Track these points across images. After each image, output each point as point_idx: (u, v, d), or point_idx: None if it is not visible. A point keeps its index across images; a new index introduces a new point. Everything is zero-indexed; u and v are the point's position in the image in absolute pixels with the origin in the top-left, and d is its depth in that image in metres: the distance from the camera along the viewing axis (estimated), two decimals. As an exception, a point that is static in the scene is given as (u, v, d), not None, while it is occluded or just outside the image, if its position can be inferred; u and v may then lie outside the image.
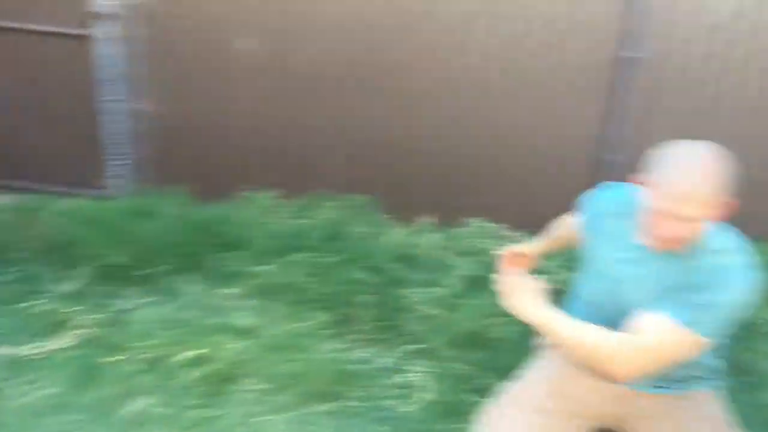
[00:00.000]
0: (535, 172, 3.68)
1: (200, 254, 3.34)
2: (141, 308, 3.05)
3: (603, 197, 1.89)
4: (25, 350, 2.80)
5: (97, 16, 3.65)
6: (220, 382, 2.60)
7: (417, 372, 2.71)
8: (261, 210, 3.64)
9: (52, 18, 3.70)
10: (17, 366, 2.69)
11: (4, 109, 3.91)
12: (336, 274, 3.13)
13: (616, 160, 3.55)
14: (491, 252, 2.97)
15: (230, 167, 3.86)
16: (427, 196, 3.76)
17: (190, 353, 2.69)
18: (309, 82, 3.69)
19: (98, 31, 3.68)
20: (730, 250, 1.66)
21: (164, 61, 3.73)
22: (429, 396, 2.60)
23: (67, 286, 3.21)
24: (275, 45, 3.65)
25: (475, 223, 3.67)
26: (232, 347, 2.72)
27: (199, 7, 3.63)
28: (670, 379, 1.82)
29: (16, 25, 3.75)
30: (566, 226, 2.08)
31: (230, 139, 3.84)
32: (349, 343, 2.88)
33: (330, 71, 3.66)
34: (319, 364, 2.67)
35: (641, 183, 1.66)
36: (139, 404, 2.50)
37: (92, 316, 2.97)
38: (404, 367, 2.75)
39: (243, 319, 2.90)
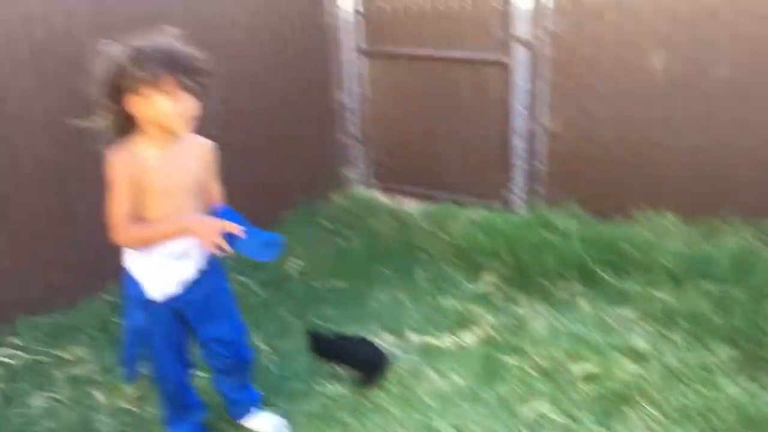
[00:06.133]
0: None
1: (596, 270, 3.43)
2: (538, 316, 3.23)
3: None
4: (434, 340, 3.10)
5: (515, 43, 3.92)
6: (616, 402, 2.62)
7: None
8: (660, 231, 3.55)
9: (474, 46, 4.06)
10: (427, 353, 3.02)
11: (425, 128, 4.41)
12: (744, 307, 3.02)
13: None
14: None
15: (628, 185, 3.87)
16: None
17: (585, 367, 2.78)
18: (723, 102, 3.53)
19: (513, 57, 3.96)
20: None
21: (568, 82, 3.88)
22: None
23: (471, 288, 3.54)
24: (686, 64, 3.59)
25: None
26: (628, 369, 2.75)
27: (611, 30, 3.68)
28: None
29: (442, 53, 4.18)
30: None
31: (629, 157, 3.84)
32: (758, 385, 2.66)
33: (754, 89, 3.46)
34: (723, 402, 2.54)
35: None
36: (535, 408, 2.63)
37: (493, 318, 3.23)
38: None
39: (639, 342, 2.92)
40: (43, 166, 3.05)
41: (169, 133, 2.08)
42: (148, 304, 2.22)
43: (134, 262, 2.19)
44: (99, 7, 3.13)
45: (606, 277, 3.40)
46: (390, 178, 4.71)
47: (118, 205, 2.05)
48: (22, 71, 2.92)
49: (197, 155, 2.21)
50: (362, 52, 4.51)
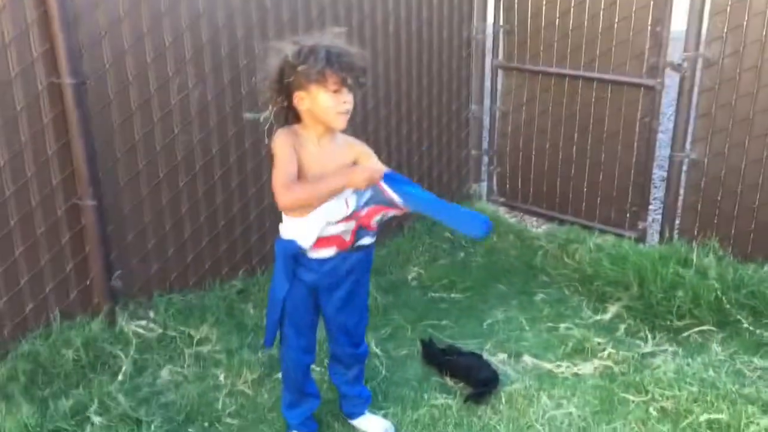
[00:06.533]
0: None
1: (733, 314, 3.23)
2: (664, 355, 3.08)
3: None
4: (550, 366, 3.01)
5: (664, 67, 3.81)
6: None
7: None
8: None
9: (619, 67, 3.97)
10: (542, 378, 2.94)
11: (559, 147, 4.33)
12: None
13: None
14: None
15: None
16: None
17: (713, 416, 2.60)
18: None
19: (661, 81, 3.84)
20: None
21: (720, 113, 3.68)
22: None
23: (594, 317, 3.41)
24: None
25: None
26: (762, 423, 2.56)
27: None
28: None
29: (584, 73, 4.12)
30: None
31: None
32: None
33: None
34: None
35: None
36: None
37: (615, 351, 3.07)
38: None
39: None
40: (193, 153, 3.26)
41: (327, 128, 2.19)
42: (294, 278, 2.30)
43: (290, 225, 2.28)
44: (260, 7, 3.31)
45: (744, 322, 3.17)
46: (517, 195, 4.64)
47: (284, 168, 2.13)
48: (184, 66, 3.14)
49: (347, 154, 2.29)
50: (501, 67, 4.49)
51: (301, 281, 2.32)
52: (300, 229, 2.25)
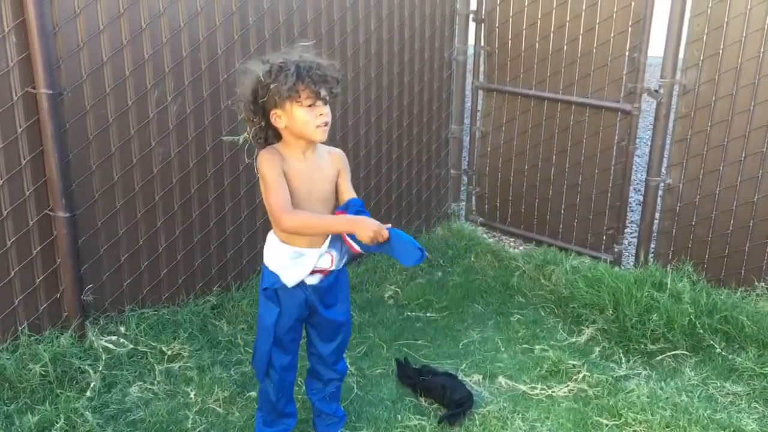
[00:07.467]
0: None
1: (706, 339, 3.24)
2: (638, 379, 3.08)
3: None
4: (525, 388, 3.01)
5: (641, 92, 3.84)
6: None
7: None
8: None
9: (598, 91, 4.01)
10: (516, 400, 2.94)
11: (537, 169, 4.35)
12: None
13: None
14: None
15: (751, 253, 3.65)
16: None
17: None
18: None
19: (638, 107, 3.88)
20: None
21: (695, 138, 3.73)
22: None
23: (569, 339, 3.43)
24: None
25: None
26: None
27: (748, 88, 3.51)
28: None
29: (563, 96, 4.15)
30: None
31: (757, 224, 3.65)
32: None
33: None
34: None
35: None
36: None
37: (590, 374, 3.07)
38: None
39: (748, 422, 2.70)
40: (170, 166, 3.23)
41: (308, 142, 2.20)
42: (281, 301, 2.31)
43: (274, 257, 2.28)
44: (242, 22, 3.30)
45: (717, 347, 3.19)
46: (495, 216, 4.66)
47: (279, 193, 2.13)
48: (163, 79, 3.11)
49: (331, 164, 2.31)
50: (481, 88, 4.52)
51: (292, 297, 2.32)
52: (284, 268, 2.27)
